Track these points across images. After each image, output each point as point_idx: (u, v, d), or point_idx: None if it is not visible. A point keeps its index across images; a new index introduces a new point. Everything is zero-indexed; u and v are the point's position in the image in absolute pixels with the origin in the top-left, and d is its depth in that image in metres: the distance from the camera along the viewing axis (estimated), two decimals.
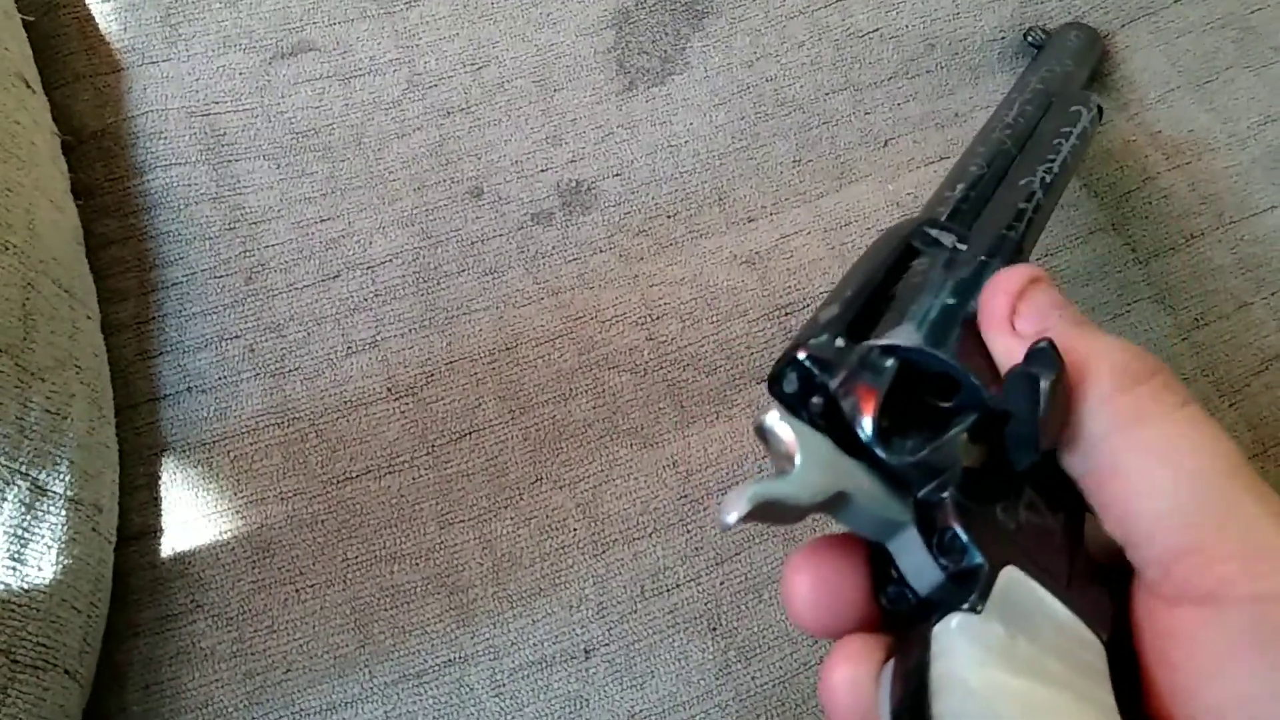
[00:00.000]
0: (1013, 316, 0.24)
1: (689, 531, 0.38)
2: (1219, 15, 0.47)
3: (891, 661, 0.23)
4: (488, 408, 0.40)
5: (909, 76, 0.46)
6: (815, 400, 0.24)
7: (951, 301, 0.26)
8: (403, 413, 0.40)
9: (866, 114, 0.45)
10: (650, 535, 0.38)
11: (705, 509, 0.38)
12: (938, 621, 0.22)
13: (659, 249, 0.43)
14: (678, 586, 0.38)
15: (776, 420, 0.24)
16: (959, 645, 0.21)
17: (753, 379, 0.40)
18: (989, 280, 0.25)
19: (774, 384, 0.25)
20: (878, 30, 0.46)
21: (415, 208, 0.43)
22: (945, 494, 0.23)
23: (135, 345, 0.40)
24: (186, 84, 0.44)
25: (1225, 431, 0.22)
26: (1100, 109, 0.39)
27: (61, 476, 0.31)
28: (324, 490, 0.38)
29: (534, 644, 0.37)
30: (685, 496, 0.38)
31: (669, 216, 0.43)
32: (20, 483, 0.30)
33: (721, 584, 0.38)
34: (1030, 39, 0.45)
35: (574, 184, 0.44)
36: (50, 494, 0.31)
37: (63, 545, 0.31)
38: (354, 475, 0.39)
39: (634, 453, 0.39)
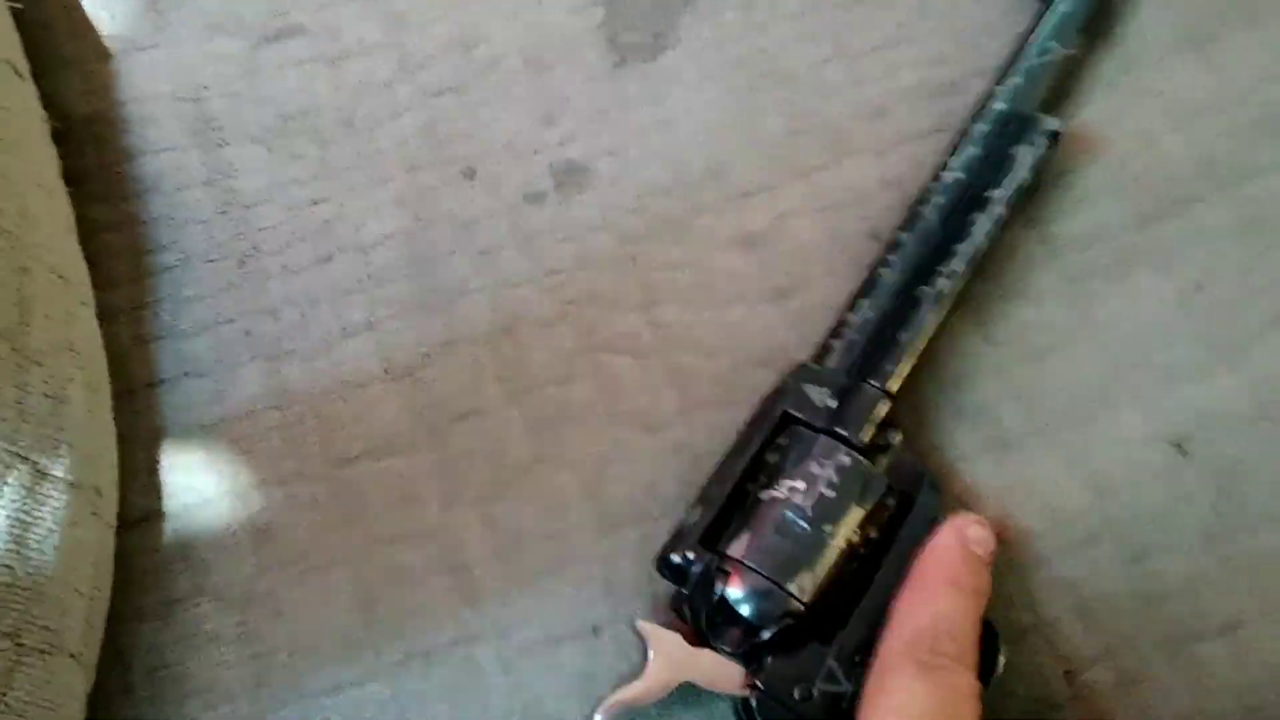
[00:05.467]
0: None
1: None
2: None
3: None
4: (487, 389, 0.40)
5: (901, 44, 0.45)
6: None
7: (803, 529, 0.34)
8: (401, 394, 0.39)
9: (859, 84, 0.45)
10: (657, 519, 0.38)
11: None
12: None
13: (655, 227, 0.42)
14: None
15: (640, 623, 0.34)
16: None
17: (754, 363, 0.40)
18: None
19: (658, 568, 0.36)
20: None
21: (408, 189, 0.42)
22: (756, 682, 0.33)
23: (131, 330, 0.40)
24: (175, 70, 0.43)
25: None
26: (1055, 135, 0.40)
27: (61, 460, 0.31)
28: (324, 472, 0.38)
29: (541, 622, 0.37)
30: (691, 483, 0.38)
31: (664, 194, 0.43)
32: (21, 466, 0.30)
33: None
34: None
35: (567, 163, 0.43)
36: (51, 478, 0.31)
37: (64, 529, 0.31)
38: (354, 457, 0.39)
39: (637, 435, 0.39)
